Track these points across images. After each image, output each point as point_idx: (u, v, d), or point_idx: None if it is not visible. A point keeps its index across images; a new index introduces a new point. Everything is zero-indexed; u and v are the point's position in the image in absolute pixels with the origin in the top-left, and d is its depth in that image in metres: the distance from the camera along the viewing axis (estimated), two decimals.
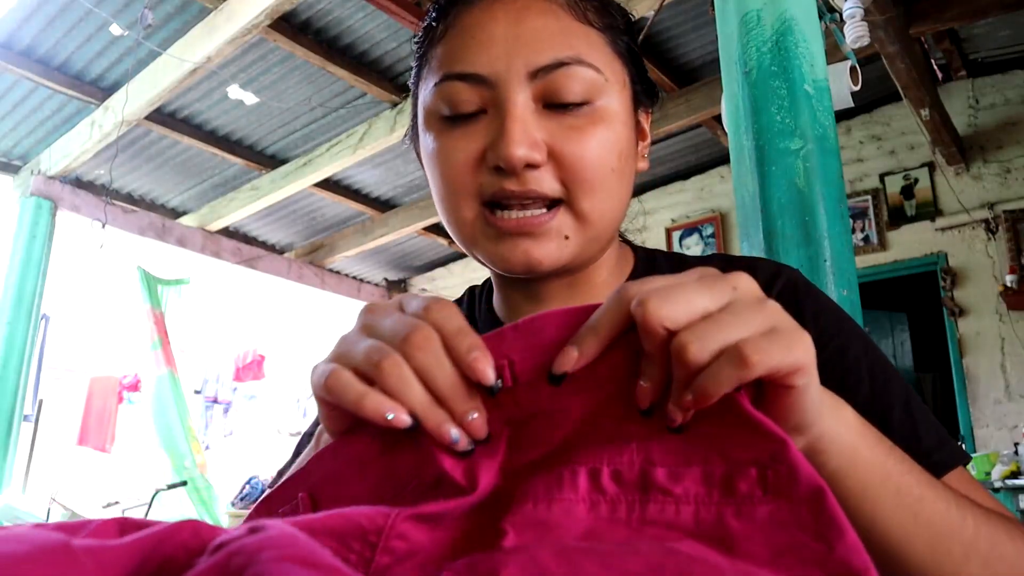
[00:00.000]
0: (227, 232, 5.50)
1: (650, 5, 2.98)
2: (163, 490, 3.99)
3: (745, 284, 0.36)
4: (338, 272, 6.45)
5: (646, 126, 0.64)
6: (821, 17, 2.09)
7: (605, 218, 0.57)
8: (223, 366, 6.87)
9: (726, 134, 1.80)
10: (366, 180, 5.09)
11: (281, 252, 6.03)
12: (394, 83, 3.93)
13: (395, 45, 3.66)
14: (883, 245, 4.50)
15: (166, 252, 5.17)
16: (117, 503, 4.93)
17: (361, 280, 6.68)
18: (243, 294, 6.75)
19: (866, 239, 4.54)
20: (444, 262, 6.59)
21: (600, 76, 0.55)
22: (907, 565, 0.41)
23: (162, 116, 4.12)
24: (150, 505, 3.89)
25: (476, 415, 0.36)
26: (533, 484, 0.33)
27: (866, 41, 2.36)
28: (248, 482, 4.75)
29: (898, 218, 4.47)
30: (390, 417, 0.35)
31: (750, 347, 0.32)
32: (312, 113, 4.16)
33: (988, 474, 3.52)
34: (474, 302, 0.72)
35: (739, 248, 1.59)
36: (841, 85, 2.01)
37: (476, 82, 0.55)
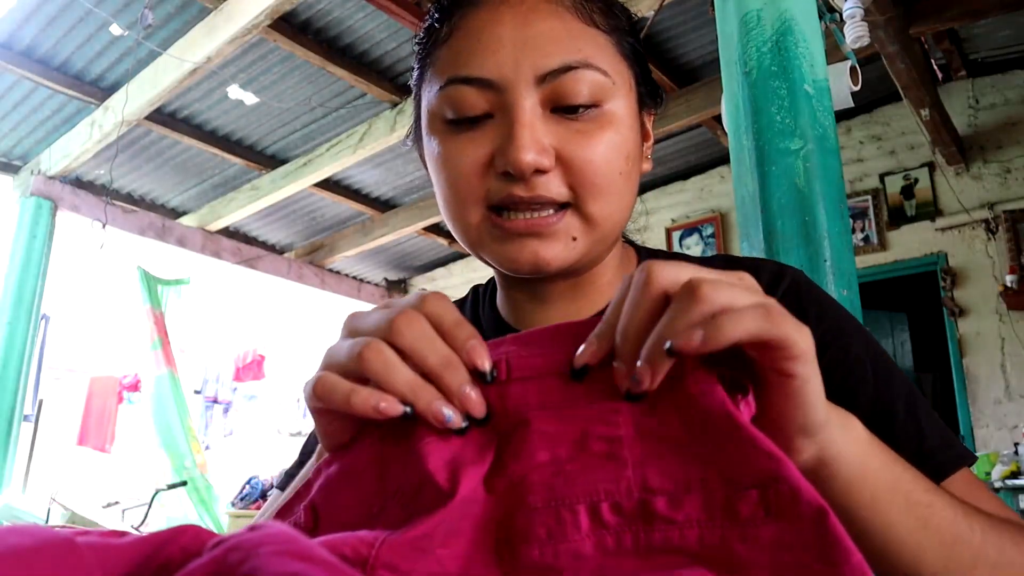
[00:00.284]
0: (227, 232, 5.50)
1: (650, 5, 2.98)
2: (163, 490, 3.98)
3: (748, 281, 0.37)
4: (338, 272, 6.45)
5: (650, 127, 0.64)
6: (821, 17, 2.10)
7: (612, 220, 0.57)
8: (223, 366, 6.87)
9: (726, 134, 1.80)
10: (366, 180, 5.09)
11: (281, 252, 6.03)
12: (394, 83, 3.93)
13: (395, 45, 3.66)
14: (883, 245, 4.50)
15: (166, 252, 5.17)
16: (117, 503, 4.94)
17: (361, 280, 6.68)
18: (243, 294, 6.76)
19: (866, 239, 4.54)
20: (444, 262, 6.59)
21: (607, 79, 0.55)
22: (919, 573, 0.42)
23: (162, 116, 4.12)
24: (150, 505, 3.88)
25: (472, 390, 0.36)
26: (532, 524, 0.33)
27: (866, 41, 2.36)
28: (248, 482, 4.74)
29: (898, 218, 4.47)
30: (382, 407, 0.35)
31: (751, 310, 0.33)
32: (312, 113, 4.16)
33: (988, 474, 3.52)
34: (478, 301, 0.72)
35: (739, 248, 1.59)
36: (841, 85, 2.01)
37: (483, 86, 0.54)
